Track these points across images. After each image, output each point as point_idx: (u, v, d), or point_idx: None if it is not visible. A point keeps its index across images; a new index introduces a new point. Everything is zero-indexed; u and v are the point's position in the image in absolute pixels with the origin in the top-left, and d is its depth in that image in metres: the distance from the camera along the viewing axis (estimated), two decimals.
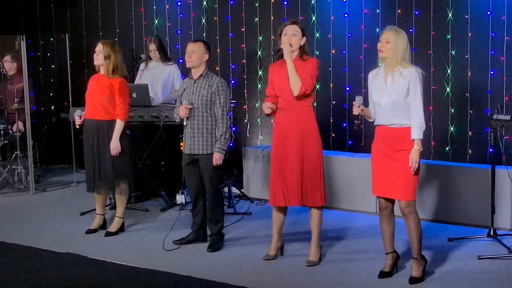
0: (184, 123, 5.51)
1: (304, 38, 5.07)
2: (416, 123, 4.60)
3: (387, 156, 4.69)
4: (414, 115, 4.61)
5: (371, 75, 4.83)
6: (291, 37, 5.03)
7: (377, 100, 4.70)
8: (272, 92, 5.18)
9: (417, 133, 4.59)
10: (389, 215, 4.81)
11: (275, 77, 5.14)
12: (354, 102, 4.69)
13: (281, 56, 5.10)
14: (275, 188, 5.16)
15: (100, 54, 5.92)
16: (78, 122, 6.05)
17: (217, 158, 5.43)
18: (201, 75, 5.51)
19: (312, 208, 5.13)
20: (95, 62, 5.98)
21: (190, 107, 5.44)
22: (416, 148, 4.58)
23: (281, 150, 5.12)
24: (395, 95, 4.61)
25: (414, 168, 4.59)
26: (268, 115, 5.20)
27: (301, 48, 5.07)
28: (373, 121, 4.81)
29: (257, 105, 7.89)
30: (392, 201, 4.80)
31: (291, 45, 5.01)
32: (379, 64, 4.79)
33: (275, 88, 5.13)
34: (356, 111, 4.69)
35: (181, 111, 5.47)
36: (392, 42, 4.61)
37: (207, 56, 5.55)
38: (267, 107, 5.11)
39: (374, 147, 4.82)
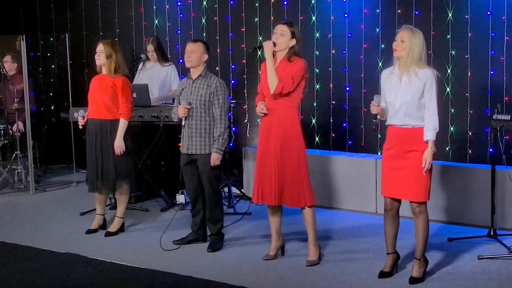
0: (183, 123, 5.52)
1: (294, 40, 5.04)
2: (430, 125, 4.59)
3: (398, 156, 4.67)
4: (429, 117, 4.59)
5: (385, 73, 4.80)
6: (278, 37, 5.03)
7: (391, 100, 4.67)
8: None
9: (431, 135, 4.58)
10: (394, 216, 4.80)
11: (263, 76, 5.16)
12: (373, 102, 4.64)
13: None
14: (256, 186, 5.18)
15: (101, 54, 5.92)
16: (81, 122, 6.05)
17: (215, 159, 5.43)
18: (200, 75, 5.52)
19: (303, 209, 5.13)
20: (97, 62, 5.98)
21: (189, 107, 5.44)
22: (430, 149, 4.58)
23: (263, 149, 5.14)
24: (410, 96, 4.59)
25: (427, 169, 4.58)
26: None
27: (291, 49, 5.06)
28: (384, 121, 4.78)
29: None
30: (398, 202, 4.78)
31: (275, 44, 5.00)
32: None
33: (262, 86, 5.16)
34: (375, 110, 4.64)
35: (180, 111, 5.47)
36: (407, 42, 4.58)
37: (206, 56, 5.55)
38: (261, 111, 5.10)
39: (385, 148, 4.78)
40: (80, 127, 6.10)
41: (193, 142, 5.48)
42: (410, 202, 4.68)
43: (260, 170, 5.15)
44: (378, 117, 4.70)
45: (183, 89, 5.58)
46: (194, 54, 5.48)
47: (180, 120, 5.52)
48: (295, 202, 5.10)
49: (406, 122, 4.64)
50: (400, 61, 4.66)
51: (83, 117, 6.02)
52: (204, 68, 5.56)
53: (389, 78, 4.74)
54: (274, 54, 5.06)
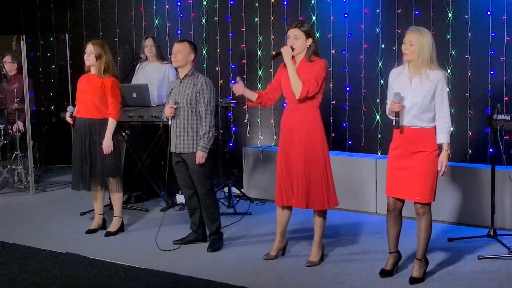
0: (170, 122, 5.55)
1: (310, 40, 5.01)
2: (444, 127, 4.58)
3: (404, 157, 4.65)
4: (442, 119, 4.59)
5: (394, 73, 4.77)
6: (293, 41, 5.00)
7: None
8: (274, 85, 5.19)
9: (445, 137, 4.58)
10: (396, 216, 4.79)
11: (282, 77, 5.12)
12: (394, 100, 4.58)
13: (281, 59, 5.07)
14: (279, 188, 5.15)
15: (91, 55, 5.94)
16: (70, 121, 6.06)
17: (200, 157, 5.43)
18: (186, 75, 5.54)
19: (316, 210, 5.13)
20: (87, 63, 6.00)
21: (175, 106, 5.48)
22: (446, 151, 4.57)
23: (286, 151, 5.10)
24: (421, 98, 4.57)
25: (443, 172, 4.58)
26: (252, 103, 5.24)
27: (309, 49, 5.03)
28: (391, 121, 4.75)
29: None
30: (402, 203, 4.78)
31: (293, 49, 4.99)
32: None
33: (282, 88, 5.13)
34: (398, 107, 4.58)
35: (167, 111, 5.52)
36: (416, 44, 4.54)
37: (192, 56, 5.57)
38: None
39: (392, 148, 4.76)
40: (71, 122, 6.09)
41: (180, 141, 5.51)
42: (415, 202, 4.67)
43: (283, 173, 5.10)
44: (398, 115, 4.63)
45: (172, 89, 5.62)
46: (180, 54, 5.51)
47: (168, 119, 5.55)
48: (320, 204, 5.05)
49: (414, 123, 4.62)
50: (410, 64, 4.63)
51: (71, 113, 6.03)
52: (192, 67, 5.58)
53: (398, 78, 4.70)
54: (292, 57, 5.03)
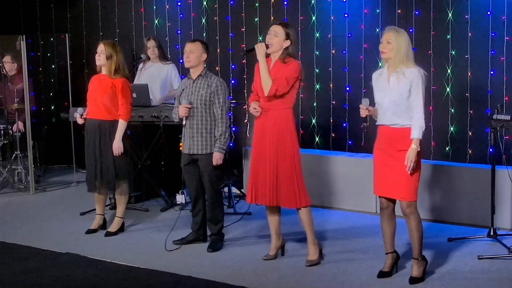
0: (183, 123, 5.52)
1: (288, 42, 5.03)
2: (417, 123, 4.60)
3: (388, 156, 4.70)
4: (416, 115, 4.61)
5: (375, 75, 4.84)
6: (272, 37, 5.03)
7: (380, 100, 4.71)
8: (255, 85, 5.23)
9: (416, 133, 4.59)
10: (390, 215, 4.81)
11: (258, 76, 5.15)
12: (361, 105, 4.70)
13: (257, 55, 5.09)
14: (250, 186, 5.20)
15: (102, 55, 5.92)
16: (79, 121, 6.06)
17: (217, 158, 5.43)
18: (200, 75, 5.52)
19: (298, 210, 5.14)
20: (97, 63, 5.98)
21: (189, 106, 5.45)
22: (414, 147, 4.58)
23: (257, 149, 5.15)
24: (398, 95, 4.61)
25: (410, 167, 4.58)
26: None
27: (285, 50, 5.04)
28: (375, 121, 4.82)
29: None
30: (393, 201, 4.80)
31: (267, 46, 5.00)
32: (380, 65, 4.79)
33: (257, 87, 5.16)
34: (363, 113, 4.70)
35: (181, 111, 5.47)
36: (393, 43, 4.62)
37: (205, 56, 5.55)
38: (255, 111, 5.10)
39: (376, 147, 4.82)
40: (80, 123, 6.09)
41: (194, 142, 5.48)
42: (400, 202, 4.69)
43: (254, 171, 5.16)
44: (368, 119, 4.75)
45: (183, 90, 5.59)
46: (193, 54, 5.48)
47: (181, 120, 5.53)
48: (290, 203, 5.10)
49: (395, 122, 4.66)
50: (388, 62, 4.70)
51: (81, 115, 6.03)
52: (204, 67, 5.56)
53: (378, 80, 4.79)
54: (268, 56, 5.06)
